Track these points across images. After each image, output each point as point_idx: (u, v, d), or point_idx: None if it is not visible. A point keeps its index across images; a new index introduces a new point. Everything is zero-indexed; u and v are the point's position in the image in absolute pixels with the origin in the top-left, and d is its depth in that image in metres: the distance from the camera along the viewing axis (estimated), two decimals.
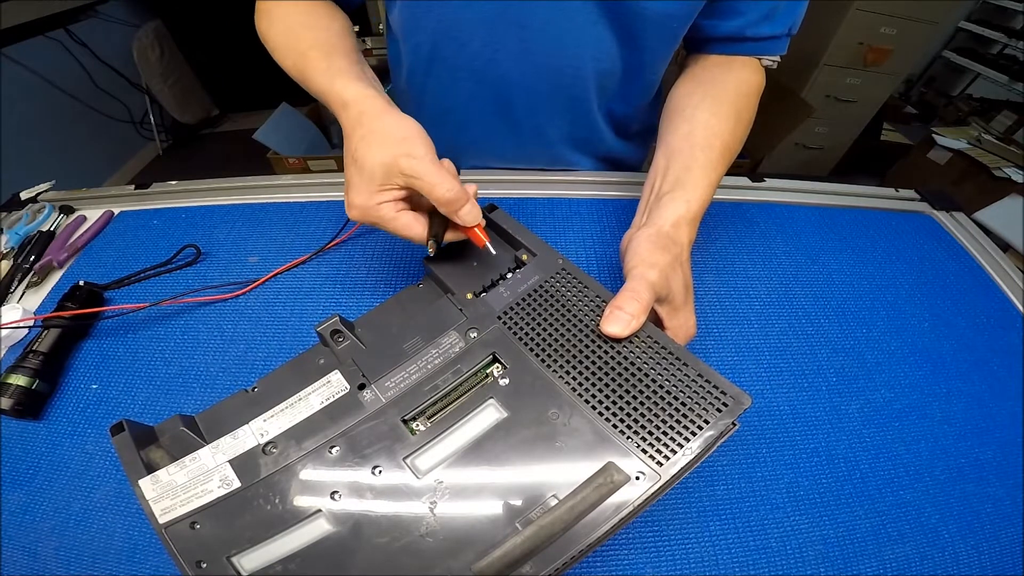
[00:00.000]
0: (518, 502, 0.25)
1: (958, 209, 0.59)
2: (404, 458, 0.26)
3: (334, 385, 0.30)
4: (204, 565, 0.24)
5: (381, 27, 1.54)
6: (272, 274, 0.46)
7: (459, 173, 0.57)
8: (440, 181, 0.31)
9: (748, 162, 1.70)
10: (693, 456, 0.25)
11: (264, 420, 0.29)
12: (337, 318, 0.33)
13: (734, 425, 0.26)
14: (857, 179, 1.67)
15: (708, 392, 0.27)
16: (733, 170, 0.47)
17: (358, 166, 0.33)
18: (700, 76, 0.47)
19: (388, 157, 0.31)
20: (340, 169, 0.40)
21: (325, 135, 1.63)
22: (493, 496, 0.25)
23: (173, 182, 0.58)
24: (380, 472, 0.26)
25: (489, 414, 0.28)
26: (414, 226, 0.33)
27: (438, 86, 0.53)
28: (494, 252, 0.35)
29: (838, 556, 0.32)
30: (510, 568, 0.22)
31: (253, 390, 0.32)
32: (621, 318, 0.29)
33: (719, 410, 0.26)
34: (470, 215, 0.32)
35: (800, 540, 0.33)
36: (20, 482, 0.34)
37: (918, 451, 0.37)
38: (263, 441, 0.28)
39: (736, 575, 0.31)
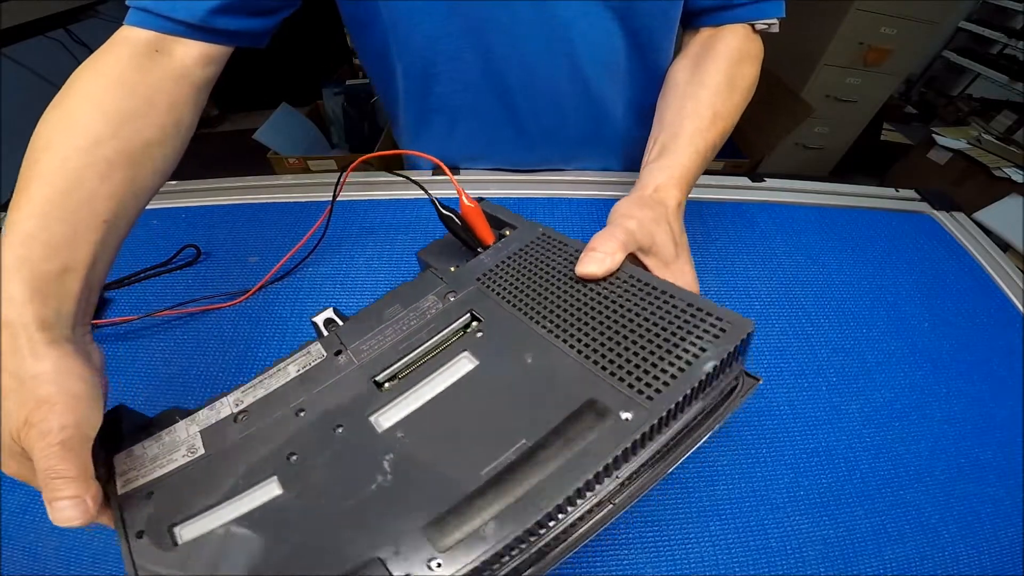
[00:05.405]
0: (486, 451, 0.22)
1: (958, 209, 0.59)
2: (368, 415, 0.25)
3: (312, 355, 0.30)
4: (144, 534, 0.22)
5: None
6: (266, 278, 0.45)
7: (459, 172, 0.58)
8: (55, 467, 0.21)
9: (748, 162, 1.69)
10: (690, 389, 0.22)
11: (242, 391, 0.28)
12: (331, 309, 0.34)
13: (756, 379, 0.24)
14: (857, 179, 1.67)
15: (701, 320, 0.24)
16: (733, 170, 0.47)
17: None
18: (691, 52, 0.47)
19: (16, 421, 0.22)
20: (339, 169, 0.40)
21: (325, 135, 1.63)
22: (457, 447, 0.23)
23: (173, 182, 0.58)
24: (341, 430, 0.25)
25: (461, 366, 0.27)
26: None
27: (437, 103, 0.52)
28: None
29: (838, 556, 0.32)
30: (470, 535, 0.19)
31: None
32: (595, 257, 0.28)
33: (716, 336, 0.23)
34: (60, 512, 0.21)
35: (800, 540, 0.33)
36: (20, 482, 0.34)
37: (918, 451, 0.37)
38: (237, 410, 0.27)
39: (736, 575, 0.31)
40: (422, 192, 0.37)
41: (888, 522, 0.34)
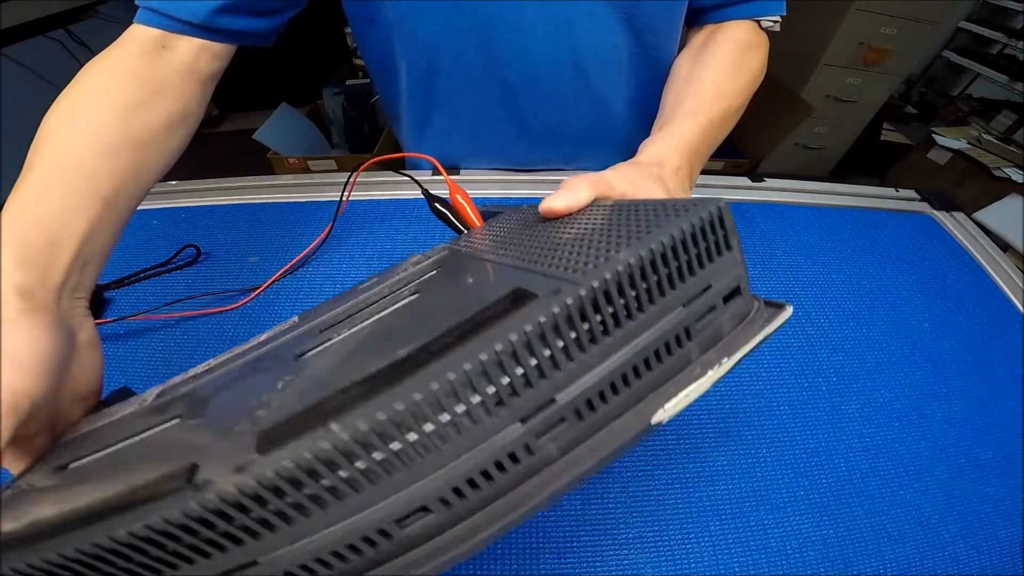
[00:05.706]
0: (381, 359, 0.17)
1: (958, 209, 0.59)
2: (296, 356, 0.23)
3: (287, 325, 0.30)
4: (42, 467, 0.22)
5: None
6: (270, 281, 0.45)
7: (459, 172, 0.58)
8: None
9: (748, 162, 1.69)
10: (635, 258, 0.17)
11: (216, 358, 0.28)
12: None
13: (781, 306, 0.20)
14: (857, 179, 1.67)
15: (663, 210, 0.20)
16: (733, 170, 0.47)
17: None
18: (695, 45, 0.47)
19: None
20: (340, 169, 0.40)
21: (325, 135, 1.63)
22: (358, 363, 0.19)
23: (173, 182, 0.58)
24: (263, 370, 0.24)
25: (402, 301, 0.25)
26: None
27: (440, 100, 0.52)
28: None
29: (838, 556, 0.32)
30: (304, 436, 0.14)
31: None
32: (562, 194, 0.26)
33: (678, 215, 0.19)
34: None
35: (800, 540, 0.33)
36: None
37: (918, 451, 0.37)
38: (201, 371, 0.27)
39: (736, 575, 0.31)
40: (422, 192, 0.37)
41: (888, 522, 0.34)
